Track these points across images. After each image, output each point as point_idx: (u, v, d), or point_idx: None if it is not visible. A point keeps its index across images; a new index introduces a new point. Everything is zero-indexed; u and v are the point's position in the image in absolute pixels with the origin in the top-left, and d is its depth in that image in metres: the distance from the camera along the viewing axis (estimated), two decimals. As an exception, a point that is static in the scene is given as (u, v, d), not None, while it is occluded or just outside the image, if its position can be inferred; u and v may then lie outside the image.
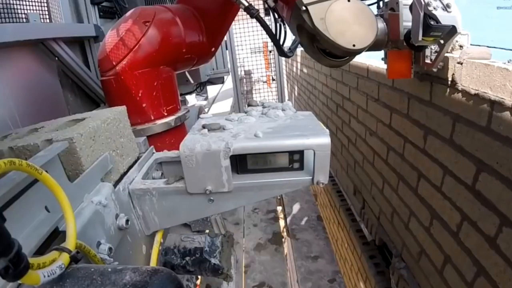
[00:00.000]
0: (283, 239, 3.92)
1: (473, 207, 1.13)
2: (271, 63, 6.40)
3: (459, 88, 1.15)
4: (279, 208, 4.70)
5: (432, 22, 1.03)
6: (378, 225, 2.12)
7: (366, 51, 1.19)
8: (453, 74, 1.18)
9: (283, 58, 6.09)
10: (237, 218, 3.70)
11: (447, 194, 1.29)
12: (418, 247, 1.57)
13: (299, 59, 4.55)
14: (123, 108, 1.05)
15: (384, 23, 1.22)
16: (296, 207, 4.25)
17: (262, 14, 1.45)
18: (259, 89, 6.94)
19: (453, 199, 1.25)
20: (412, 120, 1.53)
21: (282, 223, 4.40)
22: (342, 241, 3.02)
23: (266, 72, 6.70)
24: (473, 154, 1.12)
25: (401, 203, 1.73)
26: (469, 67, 1.10)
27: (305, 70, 4.23)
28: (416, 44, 1.11)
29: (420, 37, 1.06)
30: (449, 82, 1.21)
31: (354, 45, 1.06)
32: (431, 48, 1.23)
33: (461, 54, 1.14)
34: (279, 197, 4.80)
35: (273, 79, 6.46)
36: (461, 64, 1.13)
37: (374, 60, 2.03)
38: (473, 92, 1.08)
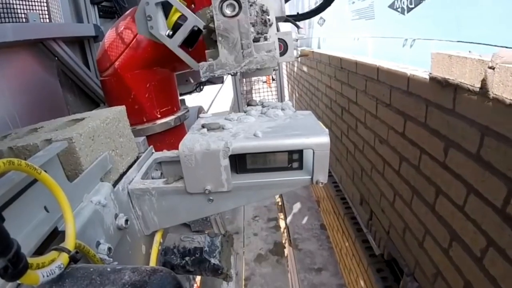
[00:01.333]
0: (284, 250, 3.77)
1: (502, 233, 1.01)
2: (271, 63, 6.37)
3: (490, 96, 1.01)
4: (281, 215, 4.60)
5: None
6: (388, 239, 1.99)
7: None
8: (483, 80, 1.02)
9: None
10: (237, 227, 3.55)
11: (471, 215, 1.16)
12: (434, 268, 1.46)
13: (300, 59, 4.43)
14: (122, 108, 1.05)
15: None
16: (298, 215, 4.11)
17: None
18: (259, 89, 6.94)
19: (477, 221, 1.13)
20: (431, 129, 1.38)
21: (283, 229, 4.27)
22: (346, 251, 2.89)
23: (266, 72, 6.67)
24: (504, 173, 0.99)
25: (414, 219, 1.60)
26: (503, 73, 0.94)
27: (306, 71, 4.14)
28: None
29: None
30: (478, 89, 1.06)
31: None
32: None
33: (493, 58, 0.99)
34: (280, 204, 4.70)
35: (273, 79, 6.45)
36: (493, 69, 0.98)
37: (385, 61, 1.91)
38: (508, 101, 0.94)
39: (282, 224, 4.38)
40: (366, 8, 2.52)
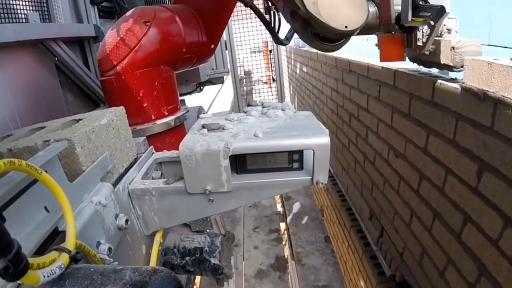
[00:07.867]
0: (287, 265, 3.57)
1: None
2: (271, 63, 6.37)
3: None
4: (282, 226, 4.37)
5: (420, 2, 1.04)
6: (401, 262, 1.82)
7: (358, 34, 1.19)
8: None
9: (284, 58, 6.08)
10: (236, 239, 3.36)
11: (506, 252, 1.00)
12: (456, 302, 1.29)
13: (302, 59, 4.31)
14: (121, 108, 1.05)
15: (376, 7, 1.22)
16: (301, 226, 3.92)
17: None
18: (259, 89, 6.92)
19: (517, 259, 0.98)
20: (461, 148, 1.21)
21: (285, 241, 4.07)
22: (352, 265, 2.73)
23: (266, 72, 6.69)
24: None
25: (435, 246, 1.44)
26: None
27: (310, 72, 3.94)
28: (406, 25, 1.10)
29: (410, 18, 1.06)
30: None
31: (346, 27, 1.07)
32: (422, 31, 1.20)
33: None
34: (282, 214, 4.52)
35: (273, 80, 6.44)
36: None
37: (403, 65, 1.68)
38: None
39: (284, 234, 4.21)
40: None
